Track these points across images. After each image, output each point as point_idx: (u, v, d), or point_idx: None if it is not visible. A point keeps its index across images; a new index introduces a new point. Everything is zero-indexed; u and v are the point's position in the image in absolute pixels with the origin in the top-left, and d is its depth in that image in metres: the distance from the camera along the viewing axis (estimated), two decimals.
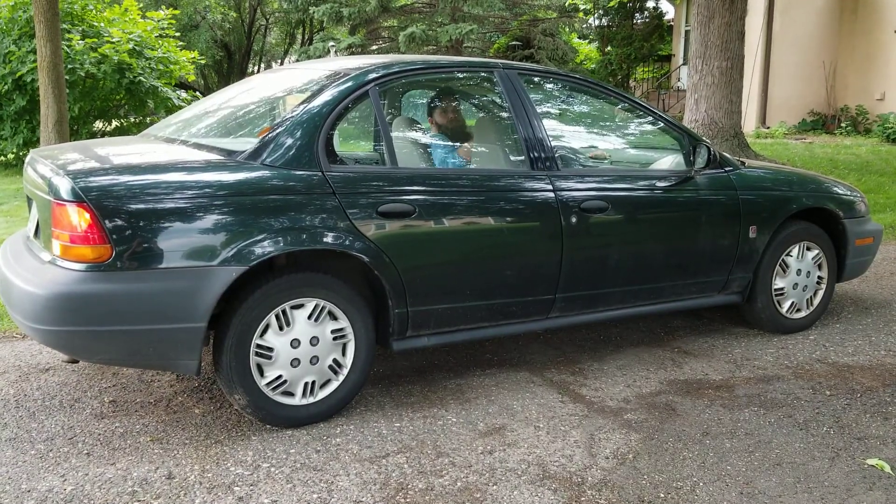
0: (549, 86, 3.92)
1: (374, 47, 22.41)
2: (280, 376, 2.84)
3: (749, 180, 3.88)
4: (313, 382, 2.92)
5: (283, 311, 2.81)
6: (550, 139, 3.39)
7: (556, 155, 3.40)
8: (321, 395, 2.94)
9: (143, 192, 2.59)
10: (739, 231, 3.78)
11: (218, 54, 27.51)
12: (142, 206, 2.56)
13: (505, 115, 3.50)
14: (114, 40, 10.62)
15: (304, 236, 2.77)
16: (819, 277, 4.16)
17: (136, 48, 11.00)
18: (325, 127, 2.94)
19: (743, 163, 4.12)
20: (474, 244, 3.16)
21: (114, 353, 2.67)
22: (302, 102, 3.01)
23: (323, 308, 2.87)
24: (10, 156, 10.96)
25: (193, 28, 24.93)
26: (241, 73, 28.01)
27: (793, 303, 4.09)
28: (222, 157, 2.87)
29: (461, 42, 20.66)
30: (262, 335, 2.78)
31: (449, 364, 3.63)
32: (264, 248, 2.69)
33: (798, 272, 4.07)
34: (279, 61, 31.83)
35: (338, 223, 2.84)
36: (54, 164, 2.79)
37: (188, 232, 2.62)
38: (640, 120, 4.06)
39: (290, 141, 2.88)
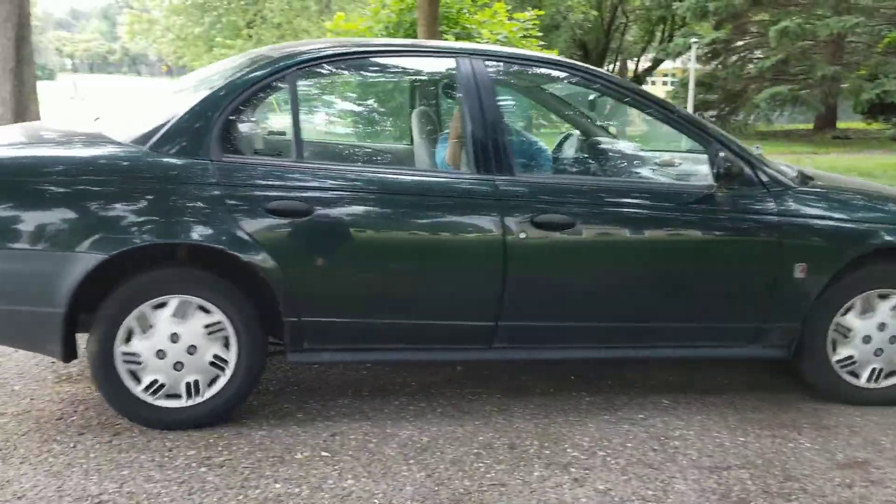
0: (532, 75, 3.49)
1: (740, 43, 21.35)
2: (156, 381, 2.75)
3: (803, 203, 3.07)
4: (196, 382, 2.78)
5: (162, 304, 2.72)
6: (508, 138, 2.98)
7: (514, 157, 2.98)
8: (208, 394, 2.80)
9: (5, 168, 2.63)
10: (780, 268, 3.02)
11: (576, 54, 28.37)
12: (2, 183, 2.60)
13: (454, 109, 3.12)
14: (483, 41, 11.58)
15: (176, 228, 2.64)
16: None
17: None
18: (225, 114, 2.77)
19: (808, 179, 3.30)
20: (390, 255, 2.85)
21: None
22: (209, 88, 2.87)
23: (190, 303, 2.72)
24: None
25: (554, 28, 26.04)
26: None
27: (875, 368, 3.18)
28: (105, 140, 2.81)
29: (844, 36, 18.74)
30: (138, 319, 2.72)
31: (799, 385, 3.38)
32: (129, 237, 2.59)
33: (883, 327, 3.14)
34: (636, 59, 31.83)
35: (216, 217, 2.66)
36: None
37: (50, 214, 2.58)
38: (653, 119, 3.25)
39: (181, 126, 2.74)
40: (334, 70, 3.24)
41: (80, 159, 2.74)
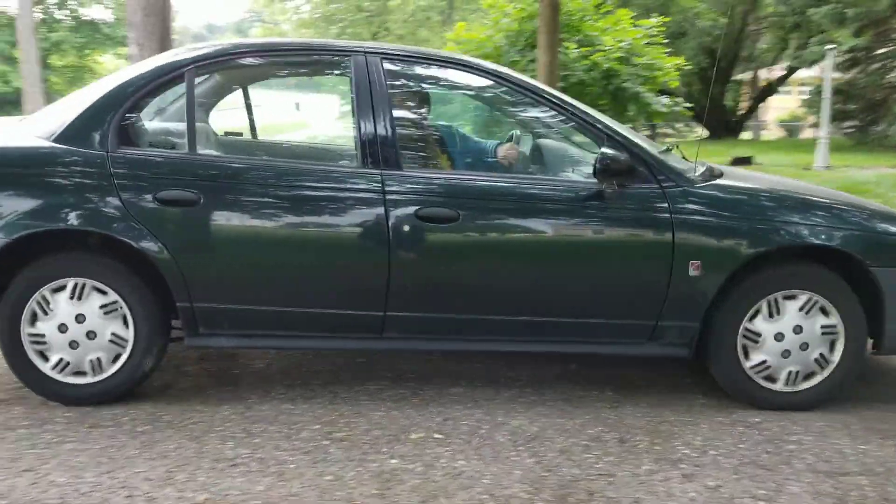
0: (431, 74, 3.46)
1: (882, 50, 20.20)
2: (62, 359, 2.95)
3: (699, 200, 3.03)
4: (99, 359, 2.96)
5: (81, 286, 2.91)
6: (397, 133, 3.04)
7: (402, 152, 3.03)
8: (111, 370, 2.97)
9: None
10: (671, 266, 2.98)
11: (704, 61, 27.60)
12: None
13: (347, 104, 3.15)
14: (605, 48, 11.55)
15: (70, 215, 2.84)
16: (826, 328, 3.08)
17: (625, 56, 11.78)
18: (124, 108, 2.95)
19: (715, 177, 3.25)
20: (276, 245, 2.95)
21: None
22: (113, 85, 3.03)
23: (85, 285, 2.90)
24: None
25: (681, 35, 25.47)
26: (726, 80, 27.73)
27: (791, 371, 3.10)
28: (17, 135, 3.07)
29: None
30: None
31: None
32: (27, 223, 2.81)
33: (777, 337, 3.06)
34: (769, 67, 30.63)
35: (108, 206, 2.85)
36: None
37: None
38: (551, 117, 3.26)
39: (82, 120, 2.93)
40: (229, 67, 3.43)
41: None
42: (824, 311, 3.08)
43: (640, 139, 3.24)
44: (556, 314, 3.09)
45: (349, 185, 2.97)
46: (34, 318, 2.93)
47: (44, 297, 2.92)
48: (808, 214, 3.09)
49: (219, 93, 3.75)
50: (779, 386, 3.13)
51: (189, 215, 2.92)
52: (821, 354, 3.09)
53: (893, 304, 3.04)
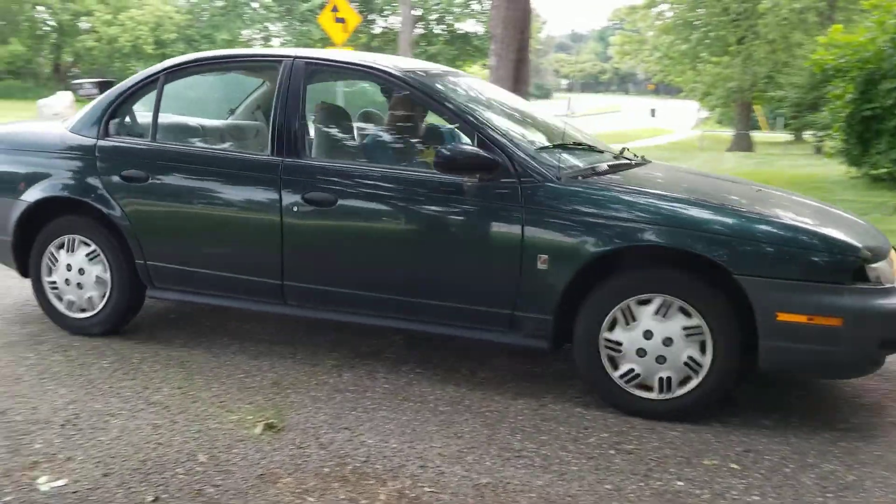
0: (343, 76, 4.09)
1: None
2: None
3: (554, 197, 3.07)
4: (91, 297, 3.86)
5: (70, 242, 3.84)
6: (304, 129, 3.51)
7: (301, 146, 3.47)
8: (100, 305, 3.86)
9: (23, 148, 3.98)
10: (521, 258, 3.05)
11: None
12: (8, 163, 3.97)
13: (272, 103, 3.60)
14: None
15: (66, 186, 3.78)
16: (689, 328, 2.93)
17: None
18: (113, 106, 3.84)
19: (589, 175, 3.29)
20: (203, 216, 3.60)
21: None
22: (116, 87, 3.94)
23: (75, 240, 3.82)
24: (883, 170, 11.21)
25: None
26: None
27: (635, 373, 3.01)
28: (53, 127, 4.07)
29: None
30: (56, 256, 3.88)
31: None
32: (38, 192, 3.79)
33: (647, 334, 2.96)
34: None
35: (90, 181, 3.74)
36: None
37: (9, 176, 3.91)
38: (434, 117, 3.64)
39: (90, 115, 3.88)
40: (192, 74, 3.99)
41: (20, 136, 4.13)
42: (686, 313, 2.95)
43: (515, 136, 3.34)
44: (422, 296, 3.32)
45: (257, 170, 3.51)
46: (50, 271, 3.89)
47: (50, 252, 3.87)
48: (660, 216, 2.98)
49: (180, 93, 4.21)
50: (654, 394, 3.03)
51: (140, 189, 3.68)
52: (690, 357, 2.95)
53: (766, 316, 2.83)
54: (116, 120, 3.87)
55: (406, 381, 3.40)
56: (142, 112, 3.92)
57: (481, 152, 3.16)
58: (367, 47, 46.33)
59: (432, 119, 3.87)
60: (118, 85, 3.97)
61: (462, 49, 45.02)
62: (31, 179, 3.85)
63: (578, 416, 3.07)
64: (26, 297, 4.33)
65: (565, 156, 3.38)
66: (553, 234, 3.07)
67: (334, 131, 3.76)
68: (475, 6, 44.41)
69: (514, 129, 3.49)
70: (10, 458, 2.60)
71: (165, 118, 3.88)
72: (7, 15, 39.84)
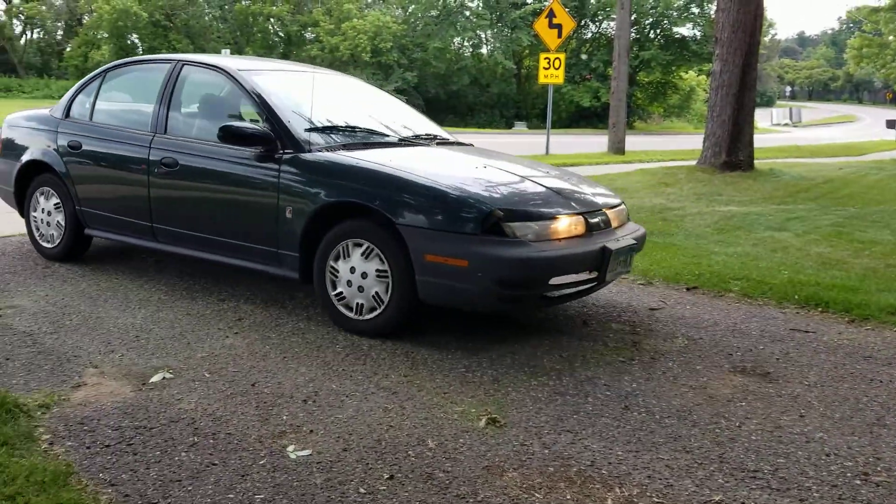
0: (205, 75, 4.91)
1: None
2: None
3: (299, 165, 4.09)
4: (52, 234, 5.40)
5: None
6: (167, 113, 4.75)
7: (167, 124, 4.72)
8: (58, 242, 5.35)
9: (21, 125, 5.60)
10: (277, 209, 4.12)
11: None
12: (13, 134, 5.61)
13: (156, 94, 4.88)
14: None
15: (38, 153, 5.29)
16: (381, 272, 3.87)
17: None
18: (73, 94, 5.37)
19: (334, 150, 4.23)
20: (108, 174, 4.99)
21: (1, 195, 5.80)
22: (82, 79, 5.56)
23: (47, 191, 5.31)
24: None
25: None
26: None
27: (359, 304, 3.96)
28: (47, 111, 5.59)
29: None
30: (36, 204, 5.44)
31: None
32: (27, 156, 5.35)
33: (351, 270, 3.93)
34: None
35: (52, 149, 5.22)
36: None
37: (15, 145, 5.52)
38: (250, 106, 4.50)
39: (62, 101, 5.43)
40: (121, 73, 5.43)
41: (24, 121, 5.62)
42: (381, 259, 3.84)
43: (291, 118, 4.28)
44: (225, 236, 4.40)
45: (138, 141, 4.77)
46: (34, 208, 5.40)
47: (35, 197, 5.36)
48: (358, 180, 3.94)
49: (114, 86, 5.50)
50: (353, 315, 3.98)
51: (75, 153, 5.08)
52: (376, 293, 3.89)
53: (418, 257, 3.69)
54: (74, 104, 5.34)
55: (629, 390, 3.37)
56: (89, 100, 5.30)
57: (250, 127, 4.21)
58: (577, 53, 46.25)
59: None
60: (80, 80, 5.62)
61: (678, 54, 43.70)
62: (24, 148, 5.43)
63: (819, 442, 2.89)
64: (269, 283, 4.77)
65: (331, 135, 4.37)
66: (294, 191, 4.08)
67: (185, 114, 4.88)
68: (695, 9, 42.93)
69: (299, 113, 4.39)
70: (261, 426, 2.88)
71: (100, 104, 5.24)
72: (243, 27, 43.94)
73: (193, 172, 4.49)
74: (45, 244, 5.37)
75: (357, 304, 3.95)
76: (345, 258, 3.94)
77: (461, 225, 3.64)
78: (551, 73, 17.49)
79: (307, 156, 4.09)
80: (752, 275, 5.46)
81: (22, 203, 5.49)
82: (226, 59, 4.98)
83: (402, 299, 3.81)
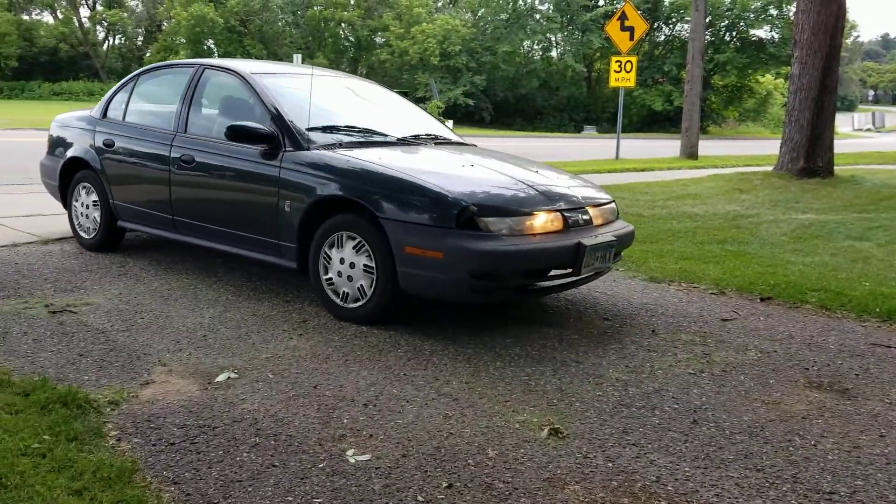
0: (223, 78, 5.21)
1: None
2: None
3: (297, 162, 4.37)
4: (89, 226, 5.85)
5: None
6: (188, 114, 5.11)
7: (187, 124, 5.07)
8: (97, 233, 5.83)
9: (65, 125, 6.05)
10: (278, 204, 4.41)
11: None
12: (59, 133, 6.06)
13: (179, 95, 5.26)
14: None
15: (79, 150, 5.72)
16: (368, 267, 4.12)
17: None
18: (109, 97, 5.82)
19: (342, 146, 4.53)
20: (136, 170, 5.33)
21: (49, 189, 6.20)
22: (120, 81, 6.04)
23: (86, 186, 5.73)
24: None
25: None
26: None
27: (345, 292, 4.21)
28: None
29: None
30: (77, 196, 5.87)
31: None
32: (69, 153, 5.80)
33: (341, 261, 4.18)
34: None
35: (90, 147, 5.63)
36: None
37: (61, 143, 5.97)
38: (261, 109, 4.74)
39: (101, 102, 5.86)
40: (151, 77, 5.85)
41: (70, 121, 6.04)
42: (369, 255, 4.07)
43: (294, 118, 4.57)
44: (235, 228, 4.70)
45: (162, 139, 5.12)
46: (75, 201, 5.83)
47: (77, 191, 5.77)
48: (348, 177, 4.18)
49: (147, 88, 5.86)
50: (338, 301, 4.23)
51: (109, 151, 5.48)
52: (361, 286, 4.14)
53: (398, 249, 3.93)
54: (109, 105, 5.75)
55: (698, 404, 3.27)
56: (123, 101, 5.69)
57: (254, 125, 4.50)
58: (650, 56, 45.53)
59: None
60: (117, 83, 6.01)
61: (754, 57, 42.61)
62: (68, 145, 5.86)
63: None
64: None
65: (330, 135, 4.61)
66: (292, 187, 4.35)
67: (203, 114, 5.18)
68: (773, 11, 41.83)
69: (303, 114, 4.62)
70: (322, 429, 2.89)
71: (132, 105, 5.63)
72: (315, 32, 44.66)
73: (208, 168, 4.81)
74: (83, 235, 5.79)
75: (343, 292, 4.22)
76: (339, 248, 4.19)
77: (437, 219, 3.87)
78: (622, 76, 17.25)
79: (305, 154, 4.39)
80: (831, 286, 5.25)
81: (65, 196, 5.92)
82: (241, 63, 5.32)
83: (385, 290, 4.05)
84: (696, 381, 3.54)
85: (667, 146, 23.09)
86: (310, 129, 4.54)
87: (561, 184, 4.52)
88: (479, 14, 46.39)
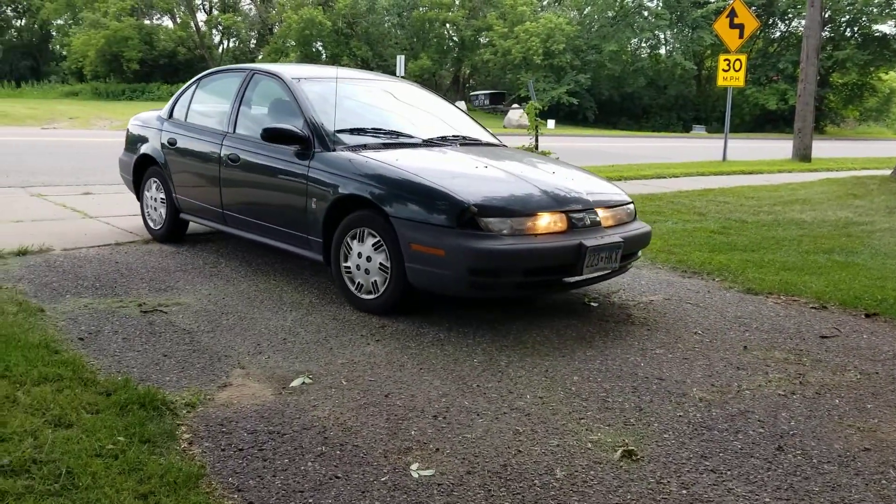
0: (267, 82, 5.58)
1: None
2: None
3: (323, 162, 4.69)
4: (156, 218, 6.36)
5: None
6: (237, 115, 5.52)
7: (236, 124, 5.48)
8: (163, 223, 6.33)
9: (140, 124, 6.57)
10: (306, 201, 4.75)
11: None
12: (135, 131, 6.54)
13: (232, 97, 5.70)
14: None
15: (149, 148, 6.24)
16: (383, 265, 4.37)
17: None
18: (176, 98, 6.28)
19: (357, 149, 4.78)
20: (193, 167, 5.76)
21: (125, 183, 6.80)
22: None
23: (155, 182, 6.21)
24: None
25: None
26: None
27: (360, 283, 4.50)
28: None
29: None
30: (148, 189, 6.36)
31: None
32: (141, 150, 6.32)
33: (359, 255, 4.45)
34: None
35: (157, 145, 6.13)
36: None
37: (135, 140, 6.47)
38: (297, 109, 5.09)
39: (169, 104, 6.32)
40: (211, 80, 6.25)
41: (145, 121, 6.48)
42: (386, 254, 4.34)
43: (324, 121, 4.91)
44: (273, 222, 5.06)
45: (215, 139, 5.53)
46: (146, 193, 6.32)
47: (148, 184, 6.24)
48: (362, 176, 4.48)
49: (207, 90, 6.27)
50: (353, 290, 4.57)
51: (172, 150, 5.94)
52: (375, 281, 4.44)
53: (405, 245, 4.19)
54: (174, 107, 6.17)
55: (785, 429, 3.08)
56: (186, 102, 6.13)
57: (287, 127, 4.82)
58: (763, 53, 43.78)
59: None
60: (184, 85, 6.37)
61: (877, 53, 40.31)
62: (141, 143, 6.31)
63: None
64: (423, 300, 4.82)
65: (357, 137, 4.90)
66: (318, 184, 4.66)
67: (249, 115, 5.54)
68: None
69: (333, 117, 4.94)
70: (388, 440, 2.88)
71: (193, 106, 6.05)
72: (420, 33, 45.10)
73: (251, 166, 5.20)
74: (152, 226, 6.28)
75: (358, 283, 4.52)
76: (360, 241, 4.45)
77: (441, 218, 4.10)
78: (731, 75, 16.64)
79: (331, 154, 4.71)
80: None
81: (139, 190, 6.44)
82: (284, 67, 5.74)
83: (396, 284, 4.30)
84: (786, 403, 3.34)
85: (779, 147, 22.13)
86: (338, 132, 4.87)
87: (574, 185, 4.64)
88: (586, 12, 45.75)
